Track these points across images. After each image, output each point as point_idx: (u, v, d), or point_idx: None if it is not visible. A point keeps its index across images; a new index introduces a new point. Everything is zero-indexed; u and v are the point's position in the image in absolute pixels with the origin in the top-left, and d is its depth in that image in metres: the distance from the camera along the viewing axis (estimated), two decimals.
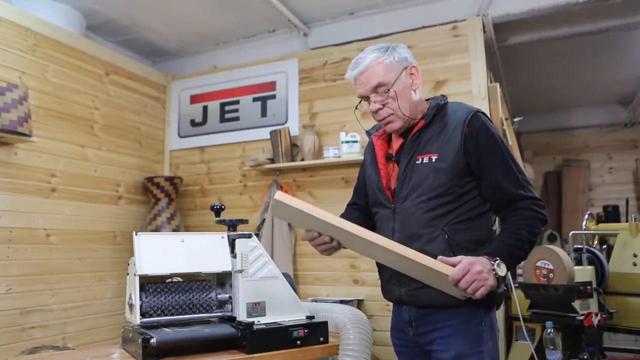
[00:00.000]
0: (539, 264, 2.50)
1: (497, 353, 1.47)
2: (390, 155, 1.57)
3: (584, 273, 2.50)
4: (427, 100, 1.58)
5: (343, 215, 1.68)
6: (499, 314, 2.87)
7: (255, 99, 3.72)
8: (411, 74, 1.50)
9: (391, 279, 1.52)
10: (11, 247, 2.75)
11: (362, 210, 1.71)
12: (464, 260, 1.28)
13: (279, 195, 1.34)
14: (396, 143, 1.57)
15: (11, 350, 2.65)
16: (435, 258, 1.32)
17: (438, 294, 1.40)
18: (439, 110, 1.51)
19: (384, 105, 1.48)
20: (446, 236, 1.41)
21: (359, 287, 3.17)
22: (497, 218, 1.58)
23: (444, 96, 1.57)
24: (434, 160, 1.44)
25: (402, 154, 1.52)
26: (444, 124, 1.48)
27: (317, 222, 1.36)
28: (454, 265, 1.28)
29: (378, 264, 1.58)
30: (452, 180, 1.42)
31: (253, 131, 3.70)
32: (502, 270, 1.30)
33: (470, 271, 1.26)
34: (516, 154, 3.81)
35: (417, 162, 1.46)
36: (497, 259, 1.30)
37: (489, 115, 1.50)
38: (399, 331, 1.56)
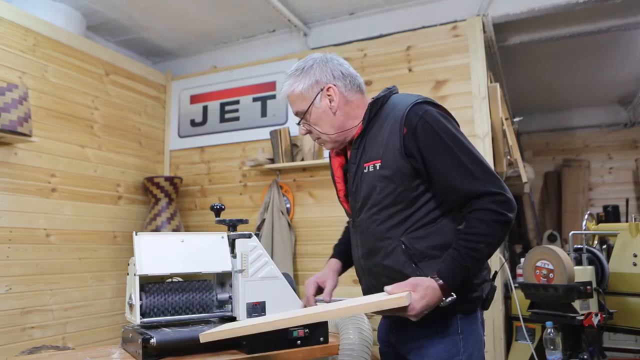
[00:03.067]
0: (539, 264, 2.50)
1: None
2: (345, 166, 1.49)
3: (584, 273, 2.50)
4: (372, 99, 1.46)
5: (344, 234, 1.69)
6: (499, 314, 2.87)
7: (255, 99, 3.72)
8: (328, 95, 1.40)
9: (366, 294, 1.48)
10: (11, 247, 2.75)
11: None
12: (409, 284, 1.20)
13: (203, 337, 1.35)
14: (349, 153, 1.48)
15: (11, 350, 2.65)
16: (397, 271, 1.28)
17: None
18: (377, 109, 1.40)
19: (309, 130, 1.46)
20: (403, 247, 1.31)
21: (359, 287, 3.16)
22: None
23: (389, 89, 1.46)
24: (377, 167, 1.33)
25: (350, 165, 1.44)
26: (382, 123, 1.37)
27: (256, 328, 1.32)
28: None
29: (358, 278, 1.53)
30: (400, 187, 1.31)
31: (253, 131, 3.70)
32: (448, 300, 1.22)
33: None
34: (516, 154, 3.81)
35: (365, 170, 1.37)
36: (444, 299, 1.21)
37: (435, 102, 1.36)
38: (383, 334, 1.55)
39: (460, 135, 1.31)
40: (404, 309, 1.19)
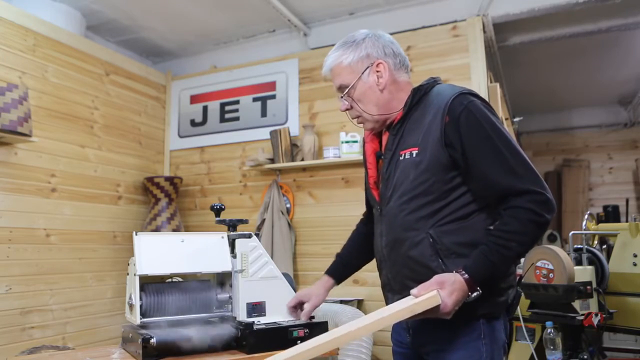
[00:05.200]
0: (539, 264, 2.50)
1: None
2: (379, 152, 1.44)
3: (584, 273, 2.50)
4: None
5: (349, 240, 1.68)
6: None
7: (255, 99, 3.72)
8: (377, 71, 1.37)
9: (385, 286, 1.44)
10: (11, 247, 2.75)
11: (365, 223, 1.64)
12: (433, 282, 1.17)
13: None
14: (385, 138, 1.44)
15: (11, 350, 2.65)
16: (422, 264, 1.26)
17: None
18: (420, 96, 1.36)
19: (351, 106, 1.41)
20: (431, 240, 1.26)
21: (359, 287, 3.16)
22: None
23: (433, 78, 1.42)
24: (414, 155, 1.29)
25: (386, 150, 1.39)
26: (424, 111, 1.32)
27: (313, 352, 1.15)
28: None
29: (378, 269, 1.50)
30: (434, 177, 1.26)
31: (253, 131, 3.70)
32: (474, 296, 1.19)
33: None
34: None
35: (400, 157, 1.32)
36: (470, 294, 1.18)
37: (479, 95, 1.31)
38: (398, 334, 1.50)
39: (504, 130, 1.26)
40: (436, 309, 1.15)
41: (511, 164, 1.21)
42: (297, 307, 1.58)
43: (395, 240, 1.34)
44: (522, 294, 1.41)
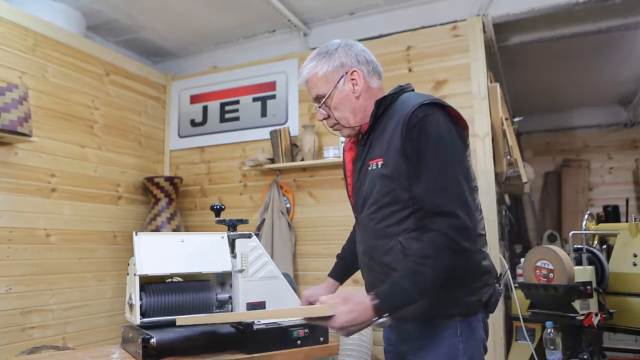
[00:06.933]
0: (539, 264, 2.50)
1: None
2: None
3: (584, 273, 2.50)
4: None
5: (348, 239, 1.69)
6: (499, 314, 2.87)
7: (255, 99, 3.72)
8: (352, 79, 1.39)
9: (369, 290, 1.43)
10: (11, 247, 2.75)
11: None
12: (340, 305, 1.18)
13: (179, 321, 1.41)
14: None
15: (11, 350, 2.65)
16: (395, 269, 1.26)
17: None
18: (385, 106, 1.38)
19: (328, 115, 1.43)
20: (400, 246, 1.29)
21: (359, 287, 3.16)
22: (482, 216, 1.39)
23: (401, 87, 1.43)
24: (379, 165, 1.32)
25: (356, 161, 1.44)
26: (388, 122, 1.34)
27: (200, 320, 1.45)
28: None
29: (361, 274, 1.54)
30: (398, 187, 1.28)
31: (253, 131, 3.70)
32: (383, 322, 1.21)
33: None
34: (516, 154, 3.81)
35: (369, 168, 1.36)
36: (377, 319, 1.19)
37: (444, 104, 1.30)
38: (388, 333, 1.54)
39: (451, 147, 1.26)
40: (329, 319, 1.18)
41: (440, 183, 1.23)
42: None
43: (371, 247, 1.38)
44: (502, 292, 1.41)
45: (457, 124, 1.32)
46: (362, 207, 1.39)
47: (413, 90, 1.46)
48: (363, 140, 1.41)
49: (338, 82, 1.40)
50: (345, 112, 1.41)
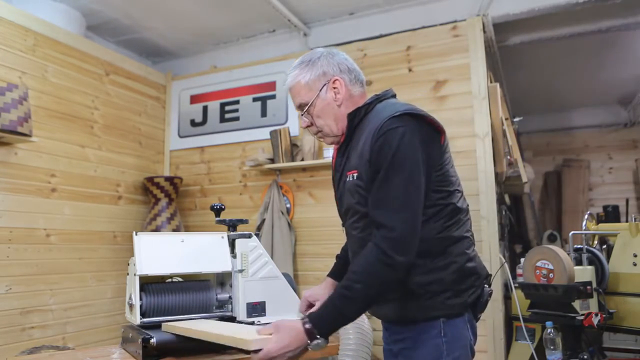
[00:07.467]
0: (539, 264, 2.50)
1: None
2: None
3: (584, 273, 2.50)
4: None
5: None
6: (499, 314, 2.87)
7: (255, 99, 3.72)
8: (334, 87, 1.41)
9: None
10: (11, 247, 2.75)
11: None
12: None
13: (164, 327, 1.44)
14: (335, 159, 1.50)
15: (11, 350, 2.65)
16: None
17: (393, 309, 1.36)
18: (360, 117, 1.40)
19: (311, 122, 1.45)
20: None
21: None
22: (467, 218, 1.40)
23: (377, 95, 1.44)
24: (355, 177, 1.33)
25: (335, 172, 1.47)
26: (361, 133, 1.36)
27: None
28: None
29: None
30: None
31: (253, 131, 3.70)
32: (319, 343, 1.20)
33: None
34: (516, 154, 3.81)
35: (347, 179, 1.37)
36: (310, 343, 1.19)
37: (417, 113, 1.29)
38: (384, 331, 1.55)
39: (406, 161, 1.25)
40: (259, 351, 1.17)
41: (385, 195, 1.25)
42: (309, 308, 1.58)
43: (356, 255, 1.38)
44: (492, 292, 1.41)
45: (435, 130, 1.32)
46: (345, 215, 1.43)
47: (394, 95, 1.47)
48: (341, 152, 1.44)
49: (320, 90, 1.42)
50: (327, 119, 1.43)
